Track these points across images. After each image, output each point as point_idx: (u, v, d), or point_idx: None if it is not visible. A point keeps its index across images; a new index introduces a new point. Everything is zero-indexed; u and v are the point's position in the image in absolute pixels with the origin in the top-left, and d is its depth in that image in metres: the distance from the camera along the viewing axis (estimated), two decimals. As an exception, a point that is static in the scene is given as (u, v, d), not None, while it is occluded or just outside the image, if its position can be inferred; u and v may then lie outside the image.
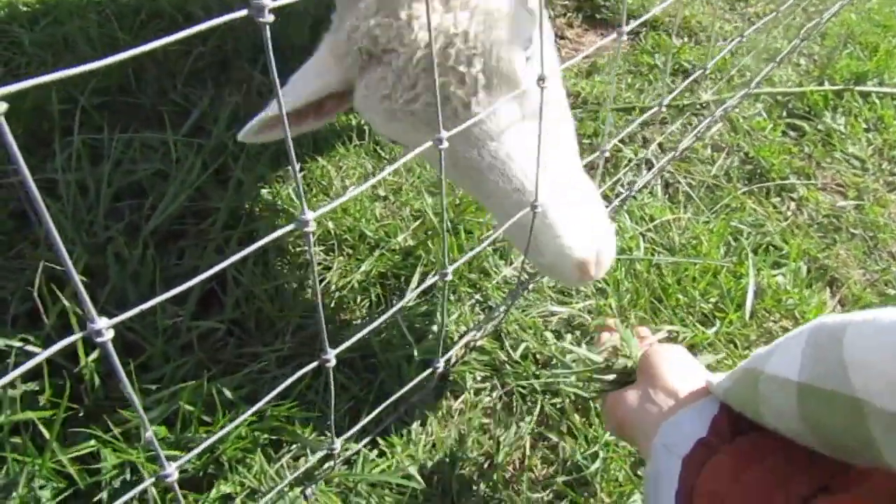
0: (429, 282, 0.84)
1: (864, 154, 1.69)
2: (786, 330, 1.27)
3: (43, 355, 0.48)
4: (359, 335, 0.76)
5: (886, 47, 2.08)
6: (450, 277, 0.83)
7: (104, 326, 0.50)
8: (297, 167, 0.56)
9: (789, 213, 1.53)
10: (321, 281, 1.25)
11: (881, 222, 1.51)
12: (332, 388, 0.76)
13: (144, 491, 0.92)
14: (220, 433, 0.66)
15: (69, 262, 0.47)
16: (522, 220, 0.81)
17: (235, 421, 0.72)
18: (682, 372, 0.72)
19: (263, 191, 1.38)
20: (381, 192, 1.45)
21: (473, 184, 0.83)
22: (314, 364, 0.72)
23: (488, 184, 0.81)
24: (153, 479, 0.61)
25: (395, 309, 0.79)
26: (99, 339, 0.50)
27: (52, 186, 1.25)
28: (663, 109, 1.66)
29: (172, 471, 0.62)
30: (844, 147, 1.70)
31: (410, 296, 0.80)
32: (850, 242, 1.47)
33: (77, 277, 0.47)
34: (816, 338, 0.50)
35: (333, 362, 0.72)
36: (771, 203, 1.54)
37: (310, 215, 0.60)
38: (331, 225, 1.33)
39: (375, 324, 0.78)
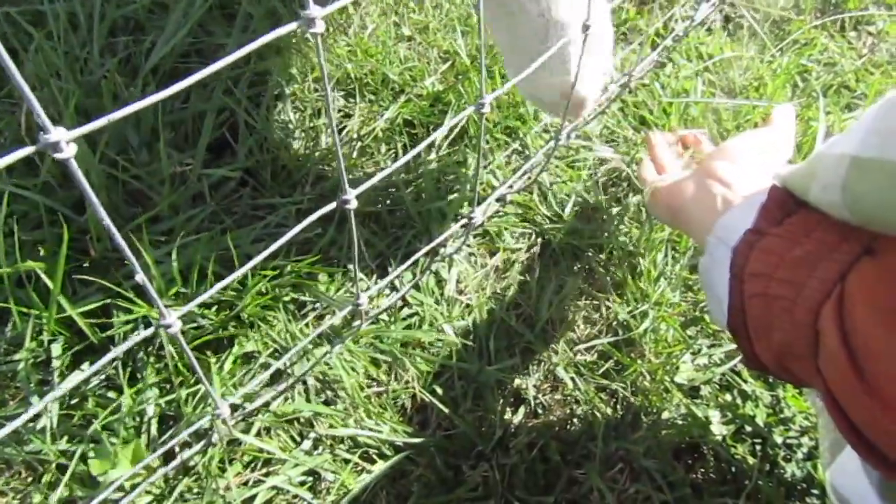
0: (464, 114, 0.72)
1: (956, -18, 1.47)
2: (856, 181, 1.15)
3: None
4: (382, 174, 0.65)
5: None
6: (487, 109, 0.71)
7: (64, 139, 0.40)
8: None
9: (865, 50, 1.35)
10: (341, 129, 1.13)
11: (972, 60, 1.33)
12: (355, 234, 0.67)
13: (161, 346, 0.87)
14: (230, 278, 0.57)
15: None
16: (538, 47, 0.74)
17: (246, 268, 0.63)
18: (748, 165, 0.67)
19: (276, 23, 1.23)
20: (406, 32, 1.30)
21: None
22: (332, 205, 0.62)
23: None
24: (153, 329, 0.54)
25: (423, 145, 0.67)
26: (58, 156, 0.40)
27: (38, 20, 1.12)
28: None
29: (173, 320, 0.54)
30: (934, -26, 1.48)
31: (442, 130, 0.68)
32: (934, 83, 1.30)
33: (18, 75, 0.36)
34: (887, 110, 0.44)
35: (354, 203, 0.62)
36: (846, 38, 1.36)
37: (316, 10, 0.49)
38: (350, 67, 1.20)
39: (401, 161, 0.67)
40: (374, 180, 0.66)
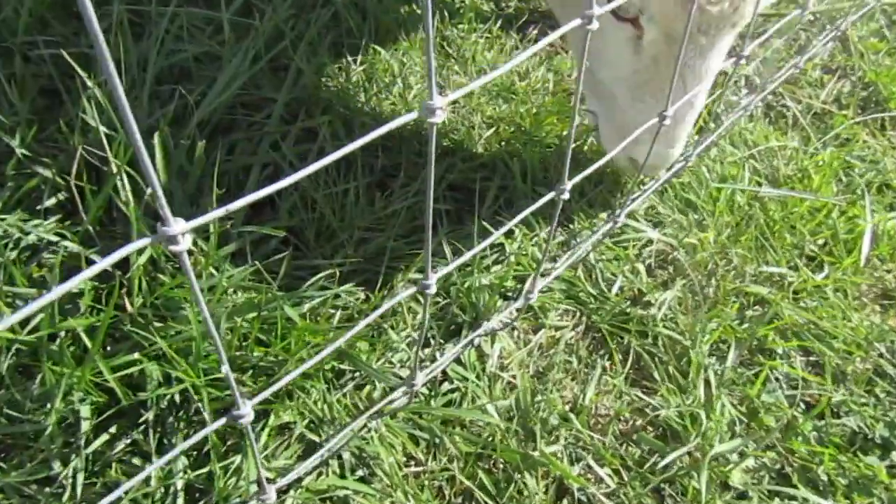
0: (544, 199, 0.70)
1: None
2: (900, 280, 1.13)
3: (113, 257, 0.35)
4: (460, 260, 0.63)
5: None
6: (567, 196, 0.69)
7: (181, 231, 0.38)
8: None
9: (906, 150, 1.36)
10: (384, 193, 1.11)
11: None
12: (427, 317, 0.64)
13: (195, 412, 0.83)
14: (299, 370, 0.54)
15: (139, 142, 0.34)
16: (632, 119, 0.84)
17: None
18: None
19: (327, 84, 1.22)
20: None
21: (643, 67, 0.82)
22: (413, 289, 0.59)
23: (661, 75, 0.81)
24: (223, 420, 0.50)
25: (505, 228, 0.65)
26: (173, 248, 0.37)
27: (85, 63, 1.10)
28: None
29: (248, 410, 0.50)
30: (971, 78, 1.50)
31: (524, 213, 0.66)
32: (975, 186, 1.30)
33: (148, 161, 0.34)
34: None
35: (434, 290, 0.60)
36: (887, 137, 1.36)
37: (438, 101, 0.47)
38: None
39: (478, 249, 0.65)
40: (453, 266, 0.63)
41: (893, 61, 1.50)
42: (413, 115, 0.46)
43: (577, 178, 0.71)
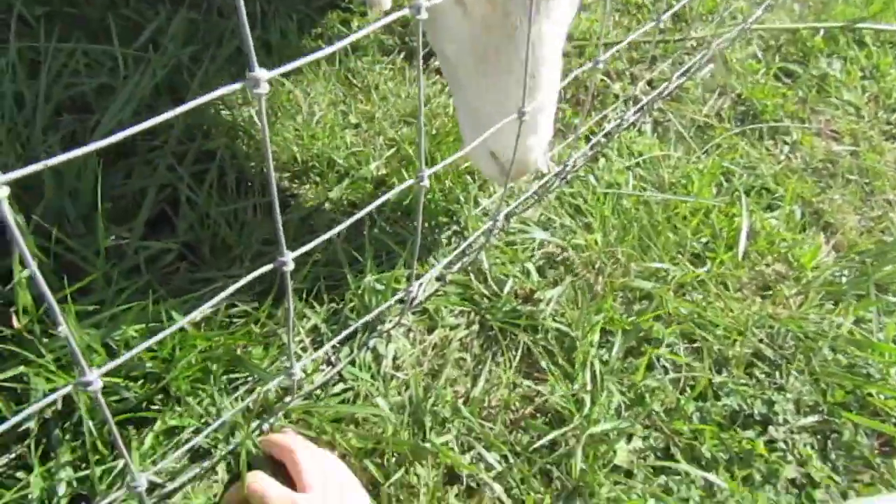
0: (404, 185, 0.74)
1: (859, 101, 1.62)
2: (778, 274, 1.21)
3: None
4: (320, 239, 0.66)
5: (882, -4, 2.01)
6: (426, 182, 0.74)
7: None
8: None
9: (782, 157, 1.46)
10: (285, 209, 1.14)
11: (877, 169, 1.45)
12: (290, 298, 0.67)
13: (80, 422, 0.83)
14: (155, 338, 0.56)
15: None
16: (480, 98, 0.85)
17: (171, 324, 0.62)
18: None
19: (223, 112, 1.27)
20: (353, 120, 1.34)
21: (489, 62, 0.82)
22: (269, 266, 0.62)
23: (511, 67, 0.81)
24: (69, 386, 0.52)
25: (365, 211, 0.69)
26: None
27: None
28: (652, 45, 1.57)
29: (95, 377, 0.52)
30: (840, 93, 1.63)
31: (383, 198, 0.70)
32: (845, 188, 1.40)
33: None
34: None
35: (291, 266, 0.63)
36: (764, 146, 1.47)
37: (262, 73, 0.51)
38: (296, 150, 1.23)
39: (341, 227, 0.69)
40: (312, 244, 0.67)
41: (767, 80, 1.62)
42: (237, 85, 0.50)
43: (438, 167, 0.76)
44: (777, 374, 1.05)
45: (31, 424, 0.81)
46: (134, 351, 0.56)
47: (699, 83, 1.57)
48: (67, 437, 0.82)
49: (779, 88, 1.61)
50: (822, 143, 1.50)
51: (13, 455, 0.81)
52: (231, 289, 0.61)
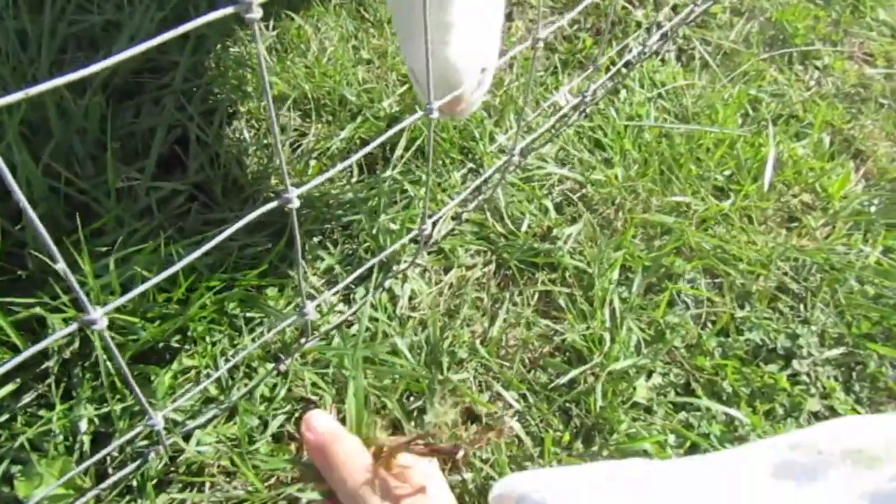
0: (414, 118, 0.71)
1: (895, 21, 1.54)
2: (805, 204, 1.17)
3: None
4: (328, 174, 0.64)
5: None
6: (435, 115, 0.71)
7: None
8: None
9: (812, 83, 1.39)
10: (296, 146, 1.12)
11: (912, 93, 1.38)
12: (298, 235, 0.65)
13: (97, 362, 0.84)
14: (164, 273, 0.55)
15: None
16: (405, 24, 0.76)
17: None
18: None
19: (231, 48, 1.23)
20: (365, 55, 1.30)
21: None
22: (273, 203, 0.61)
23: None
24: (75, 324, 0.51)
25: (373, 145, 0.67)
26: None
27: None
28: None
29: (98, 315, 0.51)
30: (875, 13, 1.55)
31: (392, 131, 0.68)
32: (877, 113, 1.34)
33: None
34: None
35: (296, 203, 0.61)
36: (793, 71, 1.40)
37: (256, -2, 0.48)
38: (307, 87, 1.19)
39: (349, 161, 0.67)
40: (318, 180, 0.65)
41: (799, 1, 1.54)
42: (230, 9, 0.47)
43: (446, 99, 0.73)
44: (801, 306, 1.03)
45: (51, 364, 0.81)
46: (142, 287, 0.55)
47: (727, 7, 1.49)
48: (88, 376, 0.83)
49: (811, 10, 1.53)
50: (854, 67, 1.43)
51: (35, 394, 0.82)
52: (237, 225, 0.59)
